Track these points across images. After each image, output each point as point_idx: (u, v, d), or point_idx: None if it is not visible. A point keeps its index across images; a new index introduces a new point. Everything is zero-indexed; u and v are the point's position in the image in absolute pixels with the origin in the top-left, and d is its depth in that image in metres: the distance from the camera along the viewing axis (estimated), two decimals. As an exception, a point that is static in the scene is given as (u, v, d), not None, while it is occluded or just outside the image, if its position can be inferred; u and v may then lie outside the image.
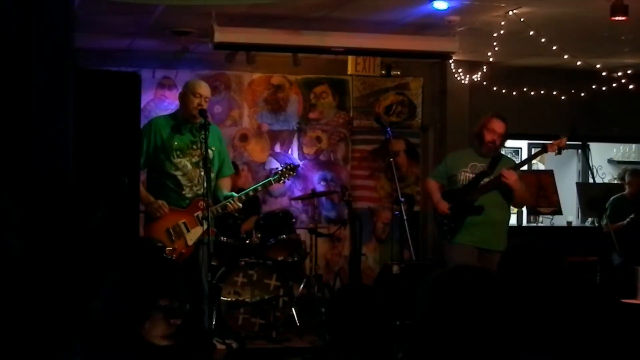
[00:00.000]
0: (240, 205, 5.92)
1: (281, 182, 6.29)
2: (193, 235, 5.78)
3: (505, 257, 3.08)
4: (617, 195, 8.36)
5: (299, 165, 6.57)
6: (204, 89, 5.84)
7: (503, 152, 9.18)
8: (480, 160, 6.35)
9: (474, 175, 6.30)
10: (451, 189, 6.41)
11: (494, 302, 1.82)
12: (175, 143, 5.79)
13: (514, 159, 7.20)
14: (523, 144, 10.51)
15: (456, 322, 1.79)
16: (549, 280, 2.95)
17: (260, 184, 6.20)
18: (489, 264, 6.04)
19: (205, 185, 5.47)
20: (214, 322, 6.51)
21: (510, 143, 9.67)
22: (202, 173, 5.66)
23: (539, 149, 6.61)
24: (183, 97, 5.86)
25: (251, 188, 6.11)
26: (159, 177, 5.84)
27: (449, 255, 6.39)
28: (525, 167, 10.25)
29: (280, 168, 6.32)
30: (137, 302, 2.60)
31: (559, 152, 6.70)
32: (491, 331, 1.79)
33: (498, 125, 6.30)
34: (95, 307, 2.64)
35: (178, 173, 5.80)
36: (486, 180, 6.27)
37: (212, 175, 5.82)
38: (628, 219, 8.06)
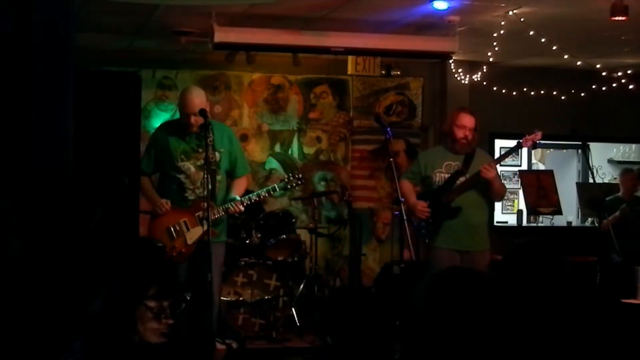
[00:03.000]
0: (242, 209, 5.91)
1: (288, 190, 6.29)
2: (193, 234, 5.79)
3: (507, 256, 3.07)
4: (611, 197, 8.38)
5: (303, 178, 6.46)
6: (189, 98, 5.76)
7: (503, 152, 9.25)
8: (454, 158, 6.22)
9: (449, 175, 6.21)
10: (426, 191, 6.31)
11: (490, 303, 1.82)
12: (181, 147, 5.85)
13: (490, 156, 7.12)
14: (519, 140, 10.49)
15: (452, 323, 1.79)
16: (551, 279, 2.96)
17: (264, 190, 6.12)
18: (473, 266, 5.99)
19: (210, 187, 5.48)
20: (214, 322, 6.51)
21: (510, 143, 9.68)
22: (207, 176, 5.66)
23: (514, 145, 6.51)
24: (178, 107, 6.07)
25: (254, 194, 6.06)
26: (164, 179, 5.97)
27: (431, 259, 6.25)
28: (525, 167, 10.31)
29: (286, 177, 6.28)
30: (135, 302, 2.60)
31: (535, 147, 6.65)
32: (488, 332, 1.79)
33: (467, 120, 6.17)
34: (94, 307, 2.64)
35: (182, 176, 5.86)
36: (462, 179, 6.17)
37: (219, 177, 5.83)
38: (620, 210, 8.07)
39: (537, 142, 6.30)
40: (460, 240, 6.16)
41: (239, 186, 6.02)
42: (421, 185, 6.37)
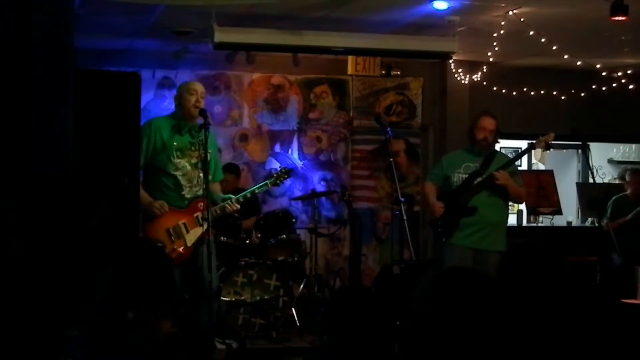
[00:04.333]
0: (238, 206, 5.93)
1: (277, 184, 6.34)
2: (192, 236, 5.77)
3: (508, 256, 3.07)
4: (618, 195, 8.37)
5: (292, 170, 6.63)
6: (197, 85, 5.87)
7: (504, 152, 9.26)
8: (474, 160, 6.36)
9: (467, 176, 6.33)
10: (446, 191, 6.44)
11: (490, 303, 1.82)
12: (175, 143, 5.77)
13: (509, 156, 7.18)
14: (523, 144, 10.50)
15: (452, 323, 1.79)
16: (551, 279, 2.95)
17: (257, 186, 6.20)
18: (484, 265, 6.08)
19: (204, 186, 5.47)
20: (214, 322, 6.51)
21: (510, 143, 9.71)
22: (201, 174, 5.65)
23: (527, 147, 6.65)
24: (179, 99, 5.85)
25: (248, 190, 6.11)
26: (159, 176, 5.80)
27: (444, 256, 6.42)
28: (525, 167, 10.31)
29: (276, 171, 6.36)
30: (136, 299, 2.60)
31: (548, 148, 6.72)
32: (488, 332, 1.79)
33: (488, 122, 6.32)
34: (94, 307, 2.64)
35: (178, 173, 5.78)
36: (479, 180, 6.29)
37: (210, 177, 5.81)
38: (633, 213, 8.07)
39: (550, 143, 6.41)
40: (476, 238, 6.25)
41: (218, 191, 6.05)
42: (443, 185, 6.48)
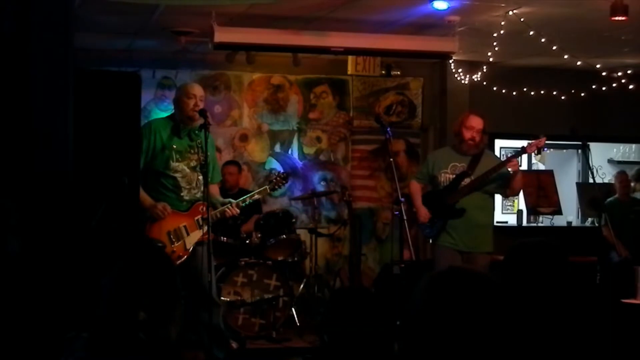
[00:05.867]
0: (238, 210, 5.93)
1: (276, 189, 6.40)
2: (192, 238, 5.76)
3: (510, 255, 3.07)
4: (610, 199, 8.40)
5: (290, 175, 6.70)
6: (196, 89, 5.80)
7: (503, 153, 9.26)
8: (460, 159, 6.31)
9: (454, 177, 6.28)
10: (432, 191, 6.39)
11: (489, 303, 1.82)
12: (174, 146, 5.75)
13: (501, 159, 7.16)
14: (523, 145, 10.49)
15: (451, 323, 1.79)
16: (552, 278, 2.96)
17: (257, 191, 6.25)
18: (473, 266, 6.05)
19: (203, 189, 5.47)
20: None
21: (510, 143, 9.71)
22: (200, 177, 5.64)
23: (518, 150, 6.61)
24: (178, 102, 5.80)
25: (248, 195, 6.11)
26: (158, 178, 5.77)
27: (434, 258, 6.43)
28: (525, 167, 10.31)
29: (273, 177, 6.44)
30: (145, 299, 2.60)
31: (539, 153, 6.70)
32: (486, 333, 1.79)
33: (475, 121, 6.27)
34: (99, 304, 2.64)
35: (178, 175, 5.76)
36: (467, 180, 6.24)
37: (209, 179, 5.81)
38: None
39: (542, 147, 6.38)
40: (462, 240, 6.22)
41: (216, 193, 6.03)
42: (430, 185, 6.43)
